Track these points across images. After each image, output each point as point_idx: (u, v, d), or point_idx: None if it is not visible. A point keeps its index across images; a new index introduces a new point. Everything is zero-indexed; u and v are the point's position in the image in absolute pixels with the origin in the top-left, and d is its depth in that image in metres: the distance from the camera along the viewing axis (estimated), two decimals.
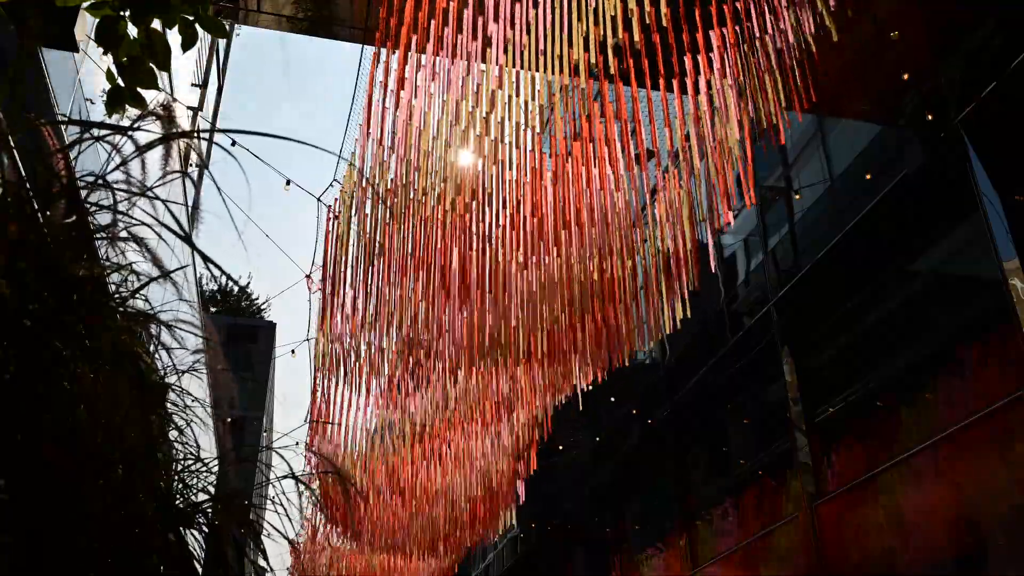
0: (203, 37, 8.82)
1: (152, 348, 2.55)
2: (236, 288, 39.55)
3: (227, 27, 10.64)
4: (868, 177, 8.97)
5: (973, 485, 7.07)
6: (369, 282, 6.18)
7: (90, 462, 2.15)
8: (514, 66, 5.41)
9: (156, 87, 2.43)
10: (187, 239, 2.26)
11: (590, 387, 8.23)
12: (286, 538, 3.11)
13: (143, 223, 2.29)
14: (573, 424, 14.69)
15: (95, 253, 2.34)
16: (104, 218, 2.29)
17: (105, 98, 2.41)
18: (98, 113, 5.83)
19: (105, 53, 2.37)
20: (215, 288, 37.18)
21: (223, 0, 8.90)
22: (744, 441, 11.87)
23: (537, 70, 5.44)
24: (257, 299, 41.97)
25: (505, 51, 5.36)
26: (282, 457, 3.35)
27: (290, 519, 3.14)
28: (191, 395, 2.85)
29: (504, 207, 5.82)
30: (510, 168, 5.69)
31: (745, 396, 11.66)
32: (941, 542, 7.34)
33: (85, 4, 2.34)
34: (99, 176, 2.27)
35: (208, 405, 3.02)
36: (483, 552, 27.65)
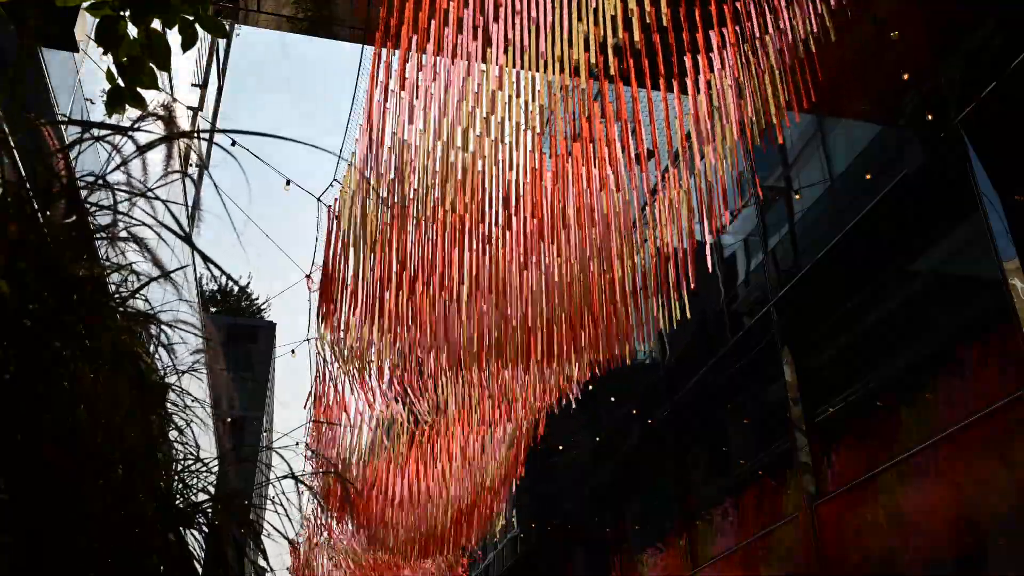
0: (203, 37, 8.82)
1: (152, 348, 2.55)
2: (236, 288, 39.55)
3: (227, 27, 10.64)
4: (868, 177, 8.97)
5: (973, 485, 7.07)
6: (370, 283, 6.18)
7: (90, 462, 2.15)
8: (514, 66, 5.41)
9: (156, 87, 2.43)
10: (187, 239, 2.26)
11: (591, 387, 8.23)
12: (286, 538, 3.11)
13: (143, 223, 2.30)
14: (573, 424, 14.68)
15: (95, 253, 2.34)
16: (104, 218, 2.29)
17: (105, 98, 2.41)
18: (98, 113, 5.83)
19: (105, 53, 2.37)
20: (215, 288, 37.19)
21: (223, 0, 8.90)
22: (744, 441, 11.87)
23: (537, 70, 5.44)
24: (257, 299, 41.96)
25: (505, 51, 5.36)
26: (282, 457, 3.36)
27: (290, 519, 3.14)
28: (191, 395, 2.85)
29: (504, 207, 5.82)
30: (510, 168, 5.69)
31: (745, 396, 11.66)
32: (941, 542, 7.34)
33: (85, 4, 2.34)
34: (99, 176, 2.27)
35: (208, 405, 3.02)
36: (483, 552, 27.64)
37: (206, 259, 2.34)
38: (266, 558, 2.99)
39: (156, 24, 2.36)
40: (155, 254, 2.28)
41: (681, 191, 6.28)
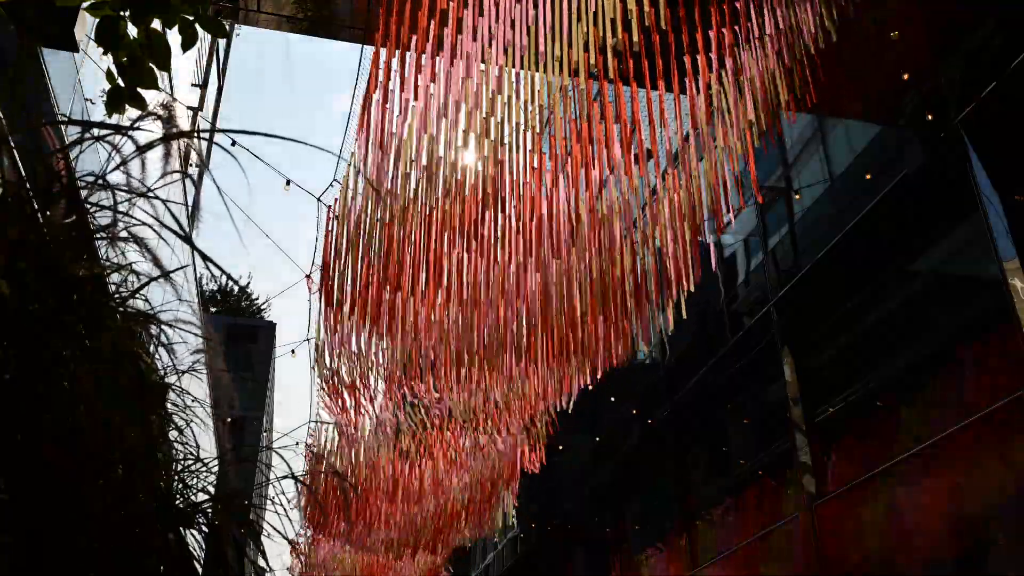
0: (203, 37, 8.82)
1: (152, 348, 2.55)
2: (236, 288, 39.55)
3: (227, 27, 10.64)
4: (868, 177, 8.97)
5: (973, 485, 7.07)
6: (371, 284, 6.18)
7: (90, 462, 2.15)
8: (513, 67, 5.41)
9: (156, 87, 2.43)
10: (187, 239, 2.26)
11: (590, 388, 8.22)
12: (286, 538, 3.11)
13: (143, 223, 2.30)
14: (573, 424, 14.69)
15: (95, 253, 2.34)
16: (104, 218, 2.29)
17: (105, 98, 2.41)
18: (98, 113, 5.83)
19: (105, 53, 2.37)
20: (215, 288, 37.21)
21: (223, 0, 8.90)
22: (744, 441, 11.87)
23: (537, 71, 5.44)
24: (257, 299, 41.96)
25: (505, 52, 5.36)
26: (282, 457, 3.36)
27: (290, 519, 3.14)
28: (191, 395, 2.85)
29: (504, 208, 5.82)
30: (510, 170, 5.69)
31: (745, 396, 11.66)
32: (941, 542, 7.34)
33: (85, 4, 2.34)
34: (99, 176, 2.27)
35: (208, 405, 3.02)
36: (483, 552, 27.63)
37: (206, 259, 2.34)
38: (266, 558, 2.98)
39: (156, 24, 2.37)
40: (155, 254, 2.28)
41: (682, 191, 6.27)
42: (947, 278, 8.25)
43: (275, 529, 3.08)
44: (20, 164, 2.15)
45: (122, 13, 2.32)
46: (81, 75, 5.73)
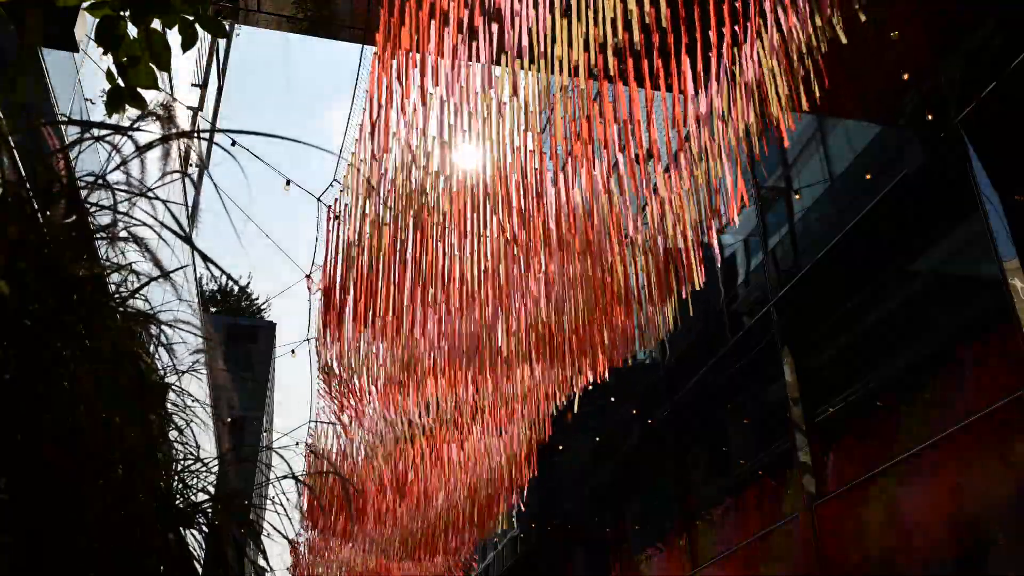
0: (203, 37, 8.82)
1: (152, 348, 2.55)
2: (236, 288, 39.52)
3: (227, 27, 10.64)
4: (868, 177, 8.97)
5: (973, 485, 7.07)
6: (372, 287, 6.18)
7: (90, 462, 2.15)
8: (513, 67, 5.41)
9: (156, 87, 2.43)
10: (187, 239, 2.26)
11: (590, 387, 8.23)
12: (286, 538, 3.11)
13: (143, 223, 2.29)
14: (573, 424, 14.69)
15: (95, 253, 2.34)
16: (104, 218, 2.29)
17: (105, 98, 2.41)
18: (98, 113, 5.82)
19: (105, 53, 2.37)
20: (215, 288, 37.17)
21: (223, 0, 8.90)
22: (744, 441, 11.86)
23: (538, 71, 5.44)
24: (257, 299, 41.93)
25: (505, 52, 5.35)
26: (282, 457, 3.36)
27: (290, 519, 3.14)
28: (191, 395, 2.85)
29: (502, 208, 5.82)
30: (510, 172, 5.69)
31: (745, 396, 11.66)
32: (941, 542, 7.34)
33: (85, 4, 2.34)
34: (99, 176, 2.27)
35: (208, 405, 3.02)
36: (483, 552, 27.64)
37: (206, 259, 2.34)
38: (266, 558, 2.98)
39: (156, 24, 2.36)
40: (155, 254, 2.28)
41: (683, 191, 6.27)
42: (947, 278, 8.25)
43: (275, 529, 3.08)
44: (20, 164, 2.15)
45: (122, 13, 2.32)
46: (81, 75, 5.73)
